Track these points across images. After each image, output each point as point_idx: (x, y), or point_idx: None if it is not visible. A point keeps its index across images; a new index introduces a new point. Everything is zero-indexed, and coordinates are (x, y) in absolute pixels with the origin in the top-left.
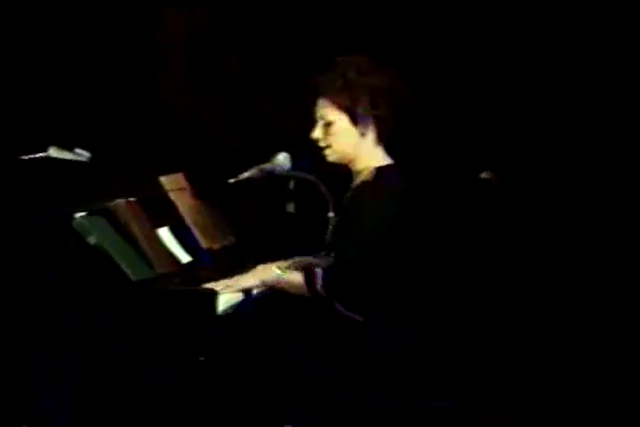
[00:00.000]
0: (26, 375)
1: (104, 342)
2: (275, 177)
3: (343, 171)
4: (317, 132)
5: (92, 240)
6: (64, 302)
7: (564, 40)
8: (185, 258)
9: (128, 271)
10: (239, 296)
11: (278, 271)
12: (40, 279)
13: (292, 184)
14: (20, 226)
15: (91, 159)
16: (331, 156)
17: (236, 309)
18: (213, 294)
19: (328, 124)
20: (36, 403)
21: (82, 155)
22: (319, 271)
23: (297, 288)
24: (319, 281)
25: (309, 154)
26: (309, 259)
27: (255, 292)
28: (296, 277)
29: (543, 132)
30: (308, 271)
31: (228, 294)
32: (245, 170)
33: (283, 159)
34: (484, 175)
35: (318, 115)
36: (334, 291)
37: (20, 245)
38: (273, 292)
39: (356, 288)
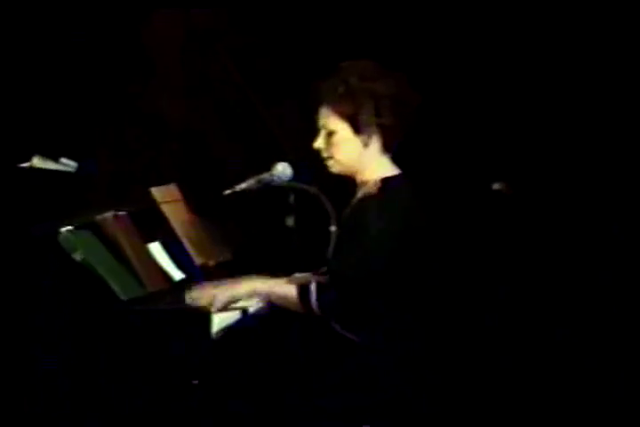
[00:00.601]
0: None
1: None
2: (273, 188)
3: (347, 181)
4: (319, 142)
5: (78, 256)
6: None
7: (580, 51)
8: (177, 275)
9: (117, 289)
10: (235, 315)
11: (271, 282)
12: (29, 297)
13: (291, 196)
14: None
15: (77, 169)
16: (334, 167)
17: (232, 328)
18: (207, 314)
19: (330, 134)
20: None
21: (68, 165)
22: (313, 288)
23: (290, 303)
24: (313, 298)
25: (310, 163)
26: (309, 276)
27: (252, 310)
28: (290, 291)
29: (556, 142)
30: (302, 287)
31: (222, 314)
32: (242, 180)
33: (282, 169)
34: (496, 186)
35: (320, 124)
36: (329, 310)
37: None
38: (270, 312)
39: (353, 308)
